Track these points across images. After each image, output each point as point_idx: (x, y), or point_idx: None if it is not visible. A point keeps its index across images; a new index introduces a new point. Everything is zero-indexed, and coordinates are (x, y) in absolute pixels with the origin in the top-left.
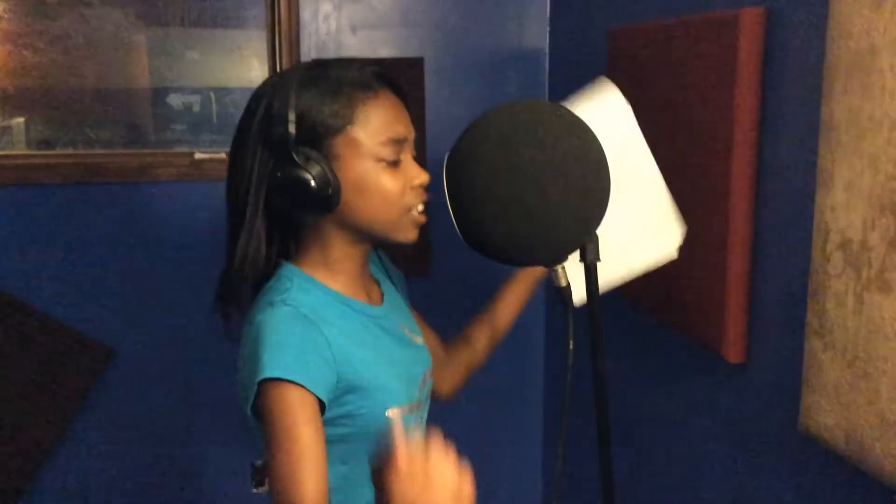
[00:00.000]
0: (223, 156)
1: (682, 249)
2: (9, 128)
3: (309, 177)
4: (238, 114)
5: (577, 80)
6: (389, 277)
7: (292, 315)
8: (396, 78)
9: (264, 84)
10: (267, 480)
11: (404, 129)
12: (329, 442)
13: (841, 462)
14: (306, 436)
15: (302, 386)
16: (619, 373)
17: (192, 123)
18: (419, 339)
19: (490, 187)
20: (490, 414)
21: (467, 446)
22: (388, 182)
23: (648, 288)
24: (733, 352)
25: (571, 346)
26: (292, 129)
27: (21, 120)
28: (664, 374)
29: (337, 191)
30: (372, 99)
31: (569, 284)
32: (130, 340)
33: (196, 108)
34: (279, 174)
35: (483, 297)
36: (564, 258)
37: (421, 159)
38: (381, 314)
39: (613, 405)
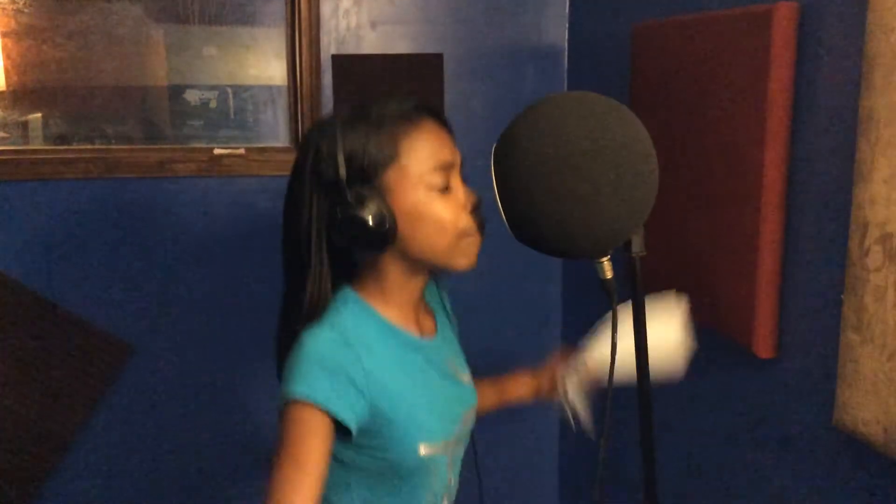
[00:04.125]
0: (242, 151)
1: (713, 244)
2: (26, 123)
3: (365, 215)
4: (255, 110)
5: (596, 76)
6: (446, 310)
7: (332, 339)
8: (437, 107)
9: (310, 131)
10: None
11: (450, 153)
12: (356, 467)
13: (878, 456)
14: (314, 463)
15: (327, 411)
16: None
17: (208, 119)
18: (465, 378)
19: (541, 178)
20: (505, 414)
21: (483, 449)
22: (440, 209)
23: (678, 282)
24: (764, 347)
25: (615, 340)
26: (343, 170)
27: (38, 115)
28: (693, 369)
29: (394, 225)
30: (415, 129)
31: (614, 276)
32: (150, 336)
33: (213, 105)
34: (337, 216)
35: (501, 295)
36: (611, 250)
37: None
38: (430, 347)
39: None
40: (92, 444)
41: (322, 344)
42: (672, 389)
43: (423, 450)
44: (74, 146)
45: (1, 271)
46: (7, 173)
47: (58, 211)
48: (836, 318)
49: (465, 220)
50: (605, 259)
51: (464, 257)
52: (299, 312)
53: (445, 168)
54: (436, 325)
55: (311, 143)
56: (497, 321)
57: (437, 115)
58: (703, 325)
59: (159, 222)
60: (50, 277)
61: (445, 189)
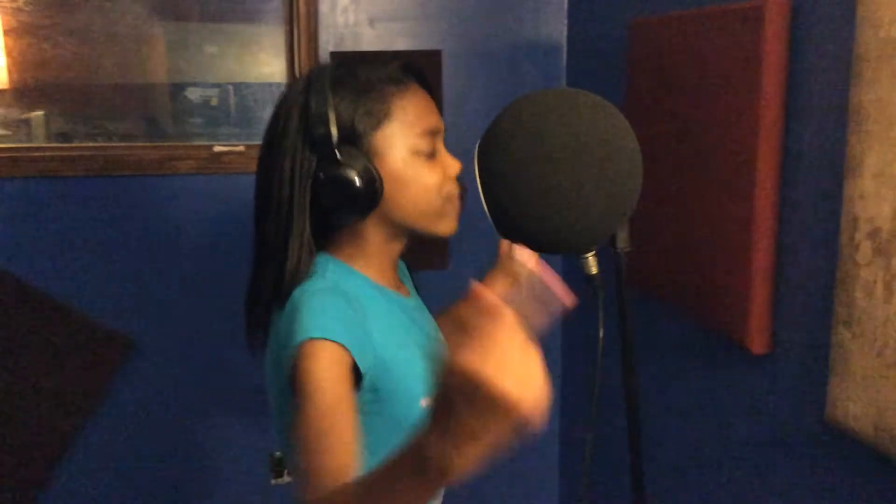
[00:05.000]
0: (242, 148)
1: (707, 239)
2: (28, 120)
3: (354, 175)
4: (256, 108)
5: (595, 72)
6: (412, 282)
7: (332, 289)
8: (422, 70)
9: (292, 88)
10: (288, 464)
11: (436, 119)
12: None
13: (869, 450)
14: (339, 393)
15: (341, 346)
16: (641, 363)
17: (209, 117)
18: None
19: (524, 174)
20: None
21: None
22: (427, 173)
23: (671, 277)
24: (757, 342)
25: (602, 334)
26: (334, 129)
27: (40, 113)
28: (687, 365)
29: (381, 187)
30: (404, 93)
31: (600, 272)
32: (151, 332)
33: (214, 102)
34: (322, 175)
35: None
36: (596, 245)
37: None
38: (412, 306)
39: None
40: (94, 439)
41: (322, 293)
42: (666, 384)
43: (425, 403)
44: (76, 144)
45: (2, 268)
46: (9, 170)
47: (59, 208)
48: (829, 313)
49: (450, 187)
50: (590, 255)
51: (447, 223)
52: (279, 278)
53: (432, 133)
54: (409, 292)
55: (293, 99)
56: None
57: (422, 78)
58: (697, 320)
59: (160, 219)
60: (51, 274)
61: (431, 155)
